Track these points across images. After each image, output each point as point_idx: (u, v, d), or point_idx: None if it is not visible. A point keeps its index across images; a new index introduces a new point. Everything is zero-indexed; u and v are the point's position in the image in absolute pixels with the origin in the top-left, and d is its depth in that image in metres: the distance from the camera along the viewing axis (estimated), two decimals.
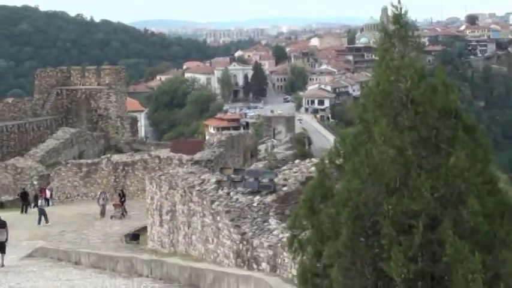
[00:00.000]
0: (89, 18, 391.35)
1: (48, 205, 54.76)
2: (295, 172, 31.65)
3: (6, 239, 35.32)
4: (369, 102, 9.32)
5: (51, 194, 60.39)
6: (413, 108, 8.77)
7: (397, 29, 9.08)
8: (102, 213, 53.33)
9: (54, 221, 50.76)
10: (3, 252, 34.59)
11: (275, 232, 23.60)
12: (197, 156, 57.02)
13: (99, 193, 57.26)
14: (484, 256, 8.39)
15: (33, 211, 57.85)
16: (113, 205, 53.45)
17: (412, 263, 8.37)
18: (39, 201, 53.06)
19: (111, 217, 52.19)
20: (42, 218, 50.71)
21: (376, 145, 8.81)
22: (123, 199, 53.98)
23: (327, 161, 10.73)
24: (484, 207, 8.59)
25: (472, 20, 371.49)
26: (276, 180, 30.15)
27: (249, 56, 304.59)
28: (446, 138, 8.73)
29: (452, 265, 8.26)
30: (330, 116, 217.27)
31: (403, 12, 9.05)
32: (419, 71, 8.89)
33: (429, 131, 8.71)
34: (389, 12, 9.46)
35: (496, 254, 8.53)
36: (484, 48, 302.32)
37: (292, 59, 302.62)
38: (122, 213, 52.36)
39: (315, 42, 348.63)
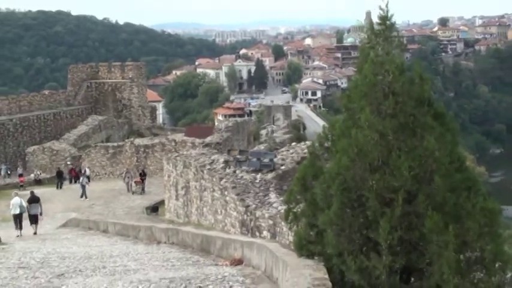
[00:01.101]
0: (114, 21, 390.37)
1: (89, 181, 54.87)
2: (291, 153, 31.66)
3: (40, 213, 35.72)
4: (354, 93, 9.32)
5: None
6: (394, 98, 8.77)
7: (383, 29, 9.05)
8: (128, 189, 53.50)
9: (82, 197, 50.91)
10: (37, 223, 35.06)
11: (275, 205, 23.60)
12: (208, 139, 56.97)
13: (124, 172, 57.39)
14: (453, 225, 8.41)
15: (66, 187, 57.99)
16: (134, 182, 53.56)
17: (394, 231, 8.39)
18: (81, 179, 53.27)
19: (133, 193, 52.31)
20: (86, 192, 51.18)
21: (361, 129, 8.82)
22: (143, 177, 54.10)
23: (317, 144, 10.74)
24: (452, 183, 8.61)
25: (443, 22, 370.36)
26: (275, 160, 30.14)
27: (251, 53, 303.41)
28: (421, 123, 8.74)
29: (429, 235, 8.27)
30: (321, 105, 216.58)
31: (389, 15, 9.02)
32: (399, 66, 8.88)
33: (407, 118, 8.72)
34: (374, 16, 9.42)
35: (463, 223, 8.54)
36: (453, 46, 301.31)
37: (289, 56, 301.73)
38: (143, 189, 52.50)
39: (308, 41, 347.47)
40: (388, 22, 9.08)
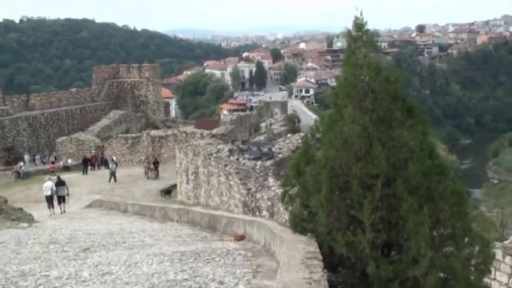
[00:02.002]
0: (132, 28, 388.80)
1: (116, 166, 54.88)
2: (287, 143, 31.73)
3: (67, 194, 36.81)
4: (340, 91, 9.36)
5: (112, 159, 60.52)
6: (373, 95, 8.79)
7: (360, 35, 9.07)
8: (146, 173, 53.60)
9: (107, 180, 50.90)
10: (64, 202, 36.02)
11: (273, 188, 23.69)
12: (214, 131, 57.07)
13: (144, 159, 57.59)
14: (427, 206, 8.46)
15: (91, 173, 58.05)
16: (149, 169, 53.62)
17: (375, 211, 8.44)
18: (110, 165, 53.46)
19: (148, 178, 52.45)
20: (112, 178, 51.28)
21: (346, 123, 8.86)
22: (157, 165, 54.13)
23: (309, 135, 10.79)
24: (425, 168, 8.68)
25: (420, 28, 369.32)
26: (273, 149, 30.22)
27: (252, 56, 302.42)
28: (396, 117, 8.79)
29: (405, 215, 8.34)
30: (313, 101, 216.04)
31: (364, 22, 9.05)
32: (376, 67, 8.91)
33: (385, 112, 8.75)
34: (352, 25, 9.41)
35: (436, 204, 8.60)
36: (429, 50, 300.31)
37: (285, 58, 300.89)
38: (156, 175, 52.66)
39: (302, 45, 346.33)
40: (363, 29, 9.10)
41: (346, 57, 9.34)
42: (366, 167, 8.56)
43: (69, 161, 63.82)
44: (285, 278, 7.99)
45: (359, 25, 9.01)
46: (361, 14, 8.98)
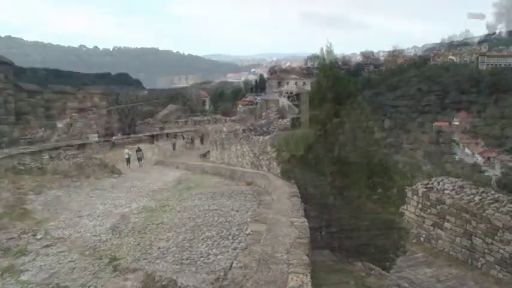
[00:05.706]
0: (182, 53, 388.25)
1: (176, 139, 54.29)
2: (278, 125, 31.59)
3: (143, 156, 37.37)
4: (313, 91, 9.35)
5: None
6: (333, 92, 8.77)
7: (329, 58, 9.04)
8: (186, 145, 52.93)
9: (168, 148, 50.88)
10: (141, 161, 36.90)
11: (269, 153, 23.62)
12: (233, 118, 56.97)
13: (185, 135, 57.22)
14: (368, 163, 8.48)
15: (156, 144, 57.80)
16: (187, 142, 52.73)
17: (333, 165, 8.45)
18: (173, 140, 53.00)
19: (187, 148, 51.41)
20: (173, 146, 50.36)
21: (315, 110, 8.87)
22: (192, 140, 53.15)
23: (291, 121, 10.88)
24: (368, 140, 8.68)
25: (363, 54, 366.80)
26: (270, 129, 30.11)
27: (257, 71, 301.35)
28: (349, 107, 8.77)
29: (353, 167, 8.34)
30: (296, 99, 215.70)
31: (331, 49, 9.02)
32: (337, 75, 8.93)
33: (342, 104, 8.72)
34: (324, 50, 9.35)
35: (373, 162, 8.61)
36: (368, 67, 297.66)
37: (278, 72, 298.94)
38: (191, 147, 51.64)
39: (287, 64, 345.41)
40: (330, 55, 9.08)
41: (320, 70, 9.38)
42: (327, 137, 8.57)
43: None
44: (277, 207, 8.01)
45: (328, 52, 9.00)
46: (330, 45, 9.00)
